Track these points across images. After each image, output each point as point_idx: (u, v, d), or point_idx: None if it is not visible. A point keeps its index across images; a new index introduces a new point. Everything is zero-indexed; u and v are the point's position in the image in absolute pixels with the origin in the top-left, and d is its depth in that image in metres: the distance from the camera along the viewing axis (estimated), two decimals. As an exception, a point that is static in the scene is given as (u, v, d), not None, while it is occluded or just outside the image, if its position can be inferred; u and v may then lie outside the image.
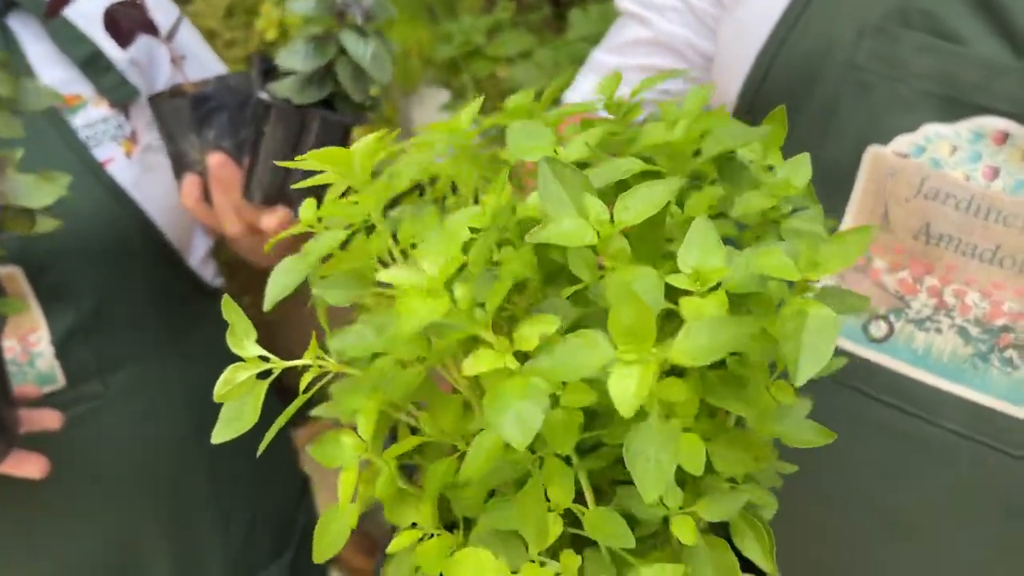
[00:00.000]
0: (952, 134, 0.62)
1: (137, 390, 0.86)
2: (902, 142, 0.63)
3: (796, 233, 0.38)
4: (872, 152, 0.64)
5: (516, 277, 0.36)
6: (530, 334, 0.31)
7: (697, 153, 0.41)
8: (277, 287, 0.44)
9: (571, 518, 0.39)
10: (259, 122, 0.74)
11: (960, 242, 0.62)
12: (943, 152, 0.62)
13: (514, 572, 0.35)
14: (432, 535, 0.40)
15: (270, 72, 0.75)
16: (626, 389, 0.30)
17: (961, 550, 0.66)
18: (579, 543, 0.40)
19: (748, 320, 0.31)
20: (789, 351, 0.32)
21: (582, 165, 0.43)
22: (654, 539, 0.41)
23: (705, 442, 0.37)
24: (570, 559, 0.37)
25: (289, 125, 0.73)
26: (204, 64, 0.93)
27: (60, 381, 0.81)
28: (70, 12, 0.81)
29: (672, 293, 0.35)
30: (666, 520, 0.39)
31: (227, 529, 0.93)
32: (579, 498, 0.39)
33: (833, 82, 0.65)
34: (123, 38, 0.76)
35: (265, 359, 0.43)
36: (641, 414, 0.33)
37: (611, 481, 0.42)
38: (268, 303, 0.44)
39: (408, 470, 0.48)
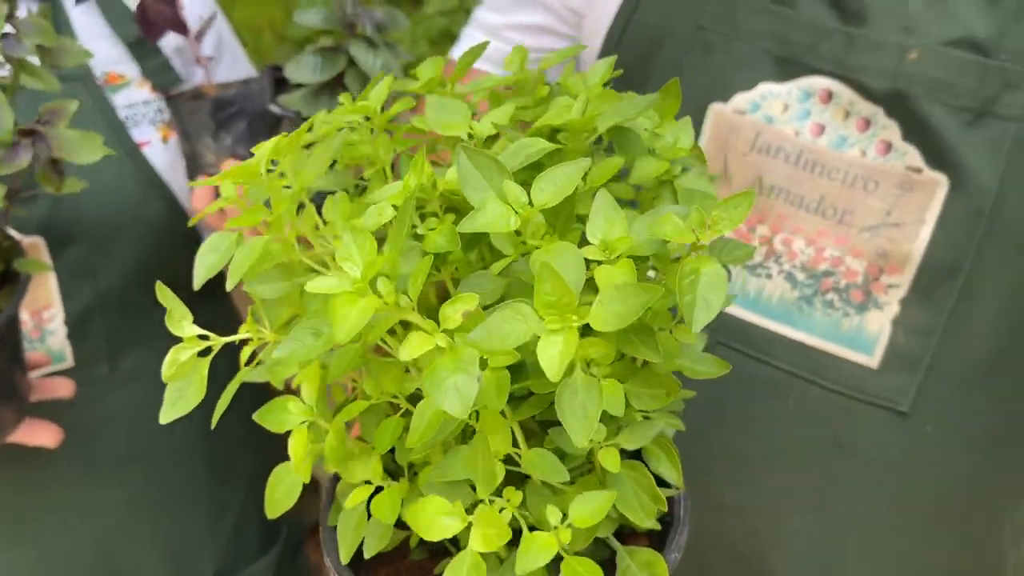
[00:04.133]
0: (784, 92, 0.66)
1: (141, 375, 0.85)
2: (740, 100, 0.68)
3: (689, 194, 0.43)
4: (714, 109, 0.69)
5: (439, 250, 0.40)
6: (453, 313, 0.35)
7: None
8: (204, 267, 0.46)
9: (506, 460, 0.44)
10: (271, 134, 0.74)
11: (789, 193, 0.67)
12: (776, 109, 0.67)
13: (468, 512, 0.39)
14: (381, 487, 0.44)
15: (283, 82, 0.74)
16: (553, 355, 0.34)
17: (793, 483, 0.72)
18: (514, 480, 0.45)
19: (653, 286, 0.35)
20: (686, 304, 0.37)
21: (493, 138, 0.46)
22: (580, 469, 0.47)
23: (622, 384, 0.42)
24: (513, 495, 0.42)
25: None
26: (242, 63, 0.93)
27: (68, 361, 0.79)
28: None
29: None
30: (590, 452, 0.45)
31: (219, 520, 0.93)
32: (514, 442, 0.43)
33: (680, 43, 0.69)
34: (153, 32, 0.78)
35: (204, 337, 0.45)
36: (567, 370, 0.37)
37: (540, 423, 0.47)
38: (197, 282, 0.46)
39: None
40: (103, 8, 0.82)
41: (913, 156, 0.64)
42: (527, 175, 0.42)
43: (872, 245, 0.66)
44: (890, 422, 0.68)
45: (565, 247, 0.37)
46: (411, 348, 0.35)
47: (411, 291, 0.36)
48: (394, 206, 0.41)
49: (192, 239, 0.87)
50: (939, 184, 0.64)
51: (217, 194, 0.82)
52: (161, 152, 0.83)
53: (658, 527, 0.50)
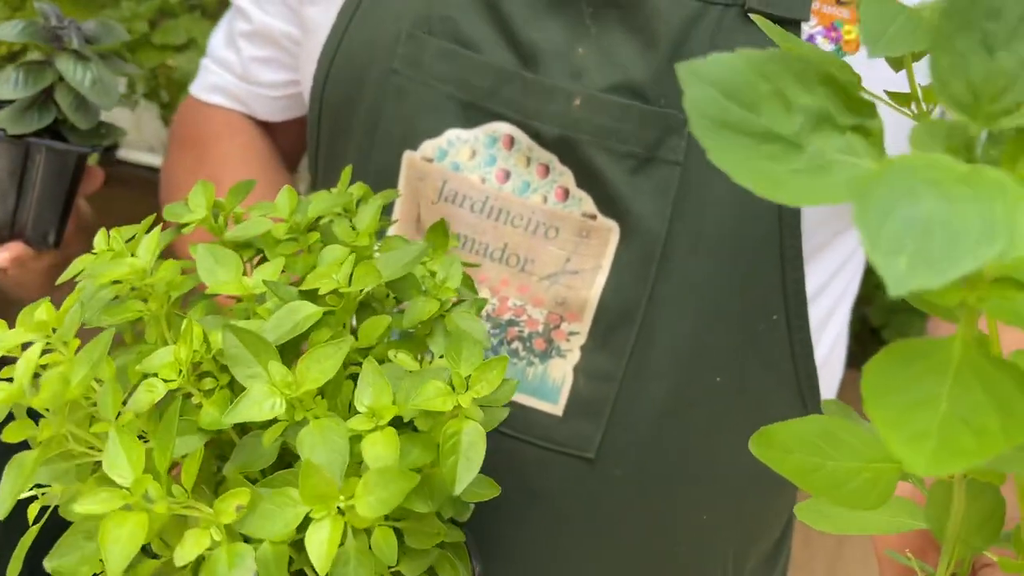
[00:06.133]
0: (472, 138, 0.64)
1: None
2: (428, 146, 0.65)
3: (457, 337, 0.46)
4: (407, 157, 0.66)
5: (215, 427, 0.41)
6: (227, 507, 0.37)
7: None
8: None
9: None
10: None
11: (475, 242, 0.65)
12: (464, 156, 0.65)
13: None
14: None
15: None
16: (321, 543, 0.37)
17: (496, 534, 0.69)
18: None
19: (413, 474, 0.39)
20: (448, 468, 0.41)
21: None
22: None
23: (397, 523, 0.45)
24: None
25: (10, 157, 0.69)
26: None
27: None
28: None
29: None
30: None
31: None
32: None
33: (377, 87, 0.67)
34: None
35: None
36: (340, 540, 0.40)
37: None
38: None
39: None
40: None
41: (587, 203, 0.63)
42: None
43: (551, 293, 0.65)
44: (579, 469, 0.67)
45: (329, 426, 0.39)
46: (187, 551, 0.36)
47: (185, 482, 0.38)
48: (165, 379, 0.42)
49: None
50: (612, 231, 0.64)
51: None
52: None
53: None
